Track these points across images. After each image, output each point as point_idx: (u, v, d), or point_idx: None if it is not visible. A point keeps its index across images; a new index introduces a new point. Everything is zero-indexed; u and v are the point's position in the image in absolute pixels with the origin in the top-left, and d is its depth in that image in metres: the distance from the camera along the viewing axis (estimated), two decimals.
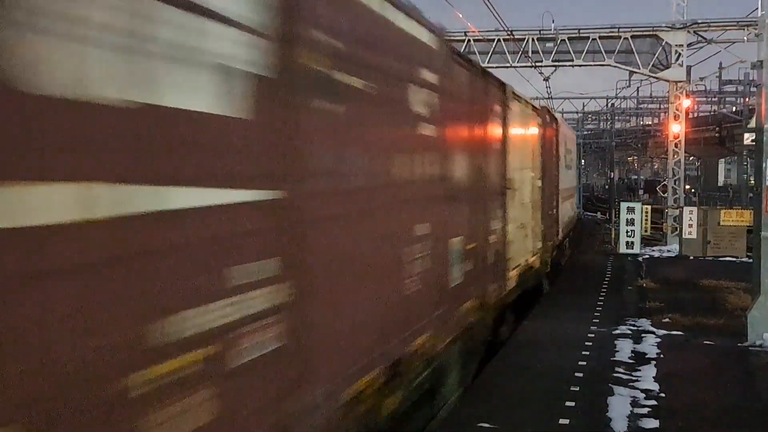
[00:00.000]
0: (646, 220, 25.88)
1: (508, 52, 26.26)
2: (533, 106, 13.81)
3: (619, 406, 7.71)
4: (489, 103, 9.27)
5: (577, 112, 53.69)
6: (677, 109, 25.79)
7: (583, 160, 41.85)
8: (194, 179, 2.86)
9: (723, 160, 58.91)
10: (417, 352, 5.83)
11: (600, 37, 25.84)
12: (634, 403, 7.84)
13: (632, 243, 23.36)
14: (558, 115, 20.45)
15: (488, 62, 26.27)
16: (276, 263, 3.45)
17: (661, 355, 10.00)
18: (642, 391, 8.28)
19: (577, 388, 8.30)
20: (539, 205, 13.93)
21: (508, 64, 26.46)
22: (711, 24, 25.42)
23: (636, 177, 68.60)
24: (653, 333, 11.45)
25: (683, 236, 22.94)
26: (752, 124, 14.40)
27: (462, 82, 7.82)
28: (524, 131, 12.37)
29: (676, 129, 25.87)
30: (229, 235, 3.09)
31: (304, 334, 3.73)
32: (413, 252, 5.73)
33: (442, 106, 6.44)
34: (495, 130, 9.69)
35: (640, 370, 9.15)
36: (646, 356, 9.93)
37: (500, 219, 9.90)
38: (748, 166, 48.22)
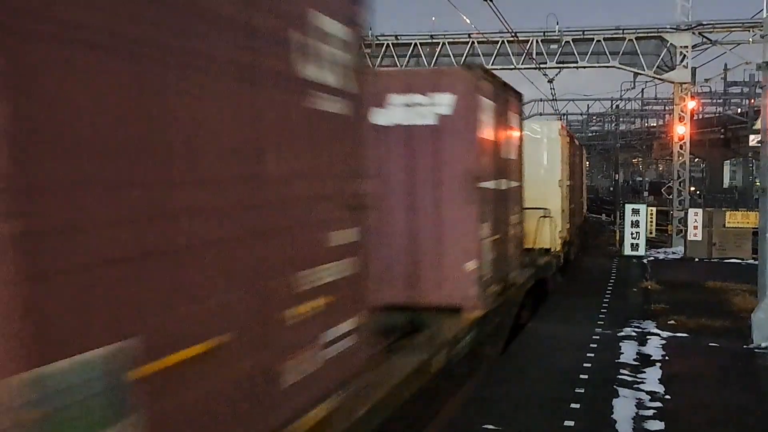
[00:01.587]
0: (651, 221, 25.83)
1: (513, 53, 26.26)
2: (582, 147, 28.02)
3: (623, 408, 7.71)
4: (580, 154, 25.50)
5: (581, 114, 53.66)
6: (682, 111, 25.76)
7: (587, 162, 41.79)
8: None
9: (728, 161, 58.81)
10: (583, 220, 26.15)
11: (604, 39, 25.83)
12: (639, 405, 7.84)
13: (637, 245, 23.34)
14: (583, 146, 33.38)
15: (492, 64, 26.26)
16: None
17: (666, 357, 9.99)
18: (647, 393, 8.27)
19: (582, 390, 8.30)
20: (585, 190, 30.74)
21: (512, 66, 26.46)
22: (716, 25, 25.38)
23: (641, 179, 68.51)
24: (658, 335, 11.44)
25: (688, 238, 22.90)
26: (758, 125, 14.36)
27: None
28: (583, 161, 28.94)
29: (681, 131, 25.84)
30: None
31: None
32: (577, 202, 22.61)
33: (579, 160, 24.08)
34: (580, 163, 24.95)
35: (644, 372, 9.15)
36: (651, 358, 9.92)
37: (581, 194, 25.15)
38: (754, 167, 48.12)
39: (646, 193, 48.40)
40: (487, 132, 8.78)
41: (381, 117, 8.09)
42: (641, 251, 23.19)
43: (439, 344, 7.36)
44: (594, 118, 56.65)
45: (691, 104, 26.29)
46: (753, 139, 28.36)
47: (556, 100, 40.44)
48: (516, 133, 10.85)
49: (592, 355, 10.03)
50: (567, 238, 17.77)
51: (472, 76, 8.37)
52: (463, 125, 8.21)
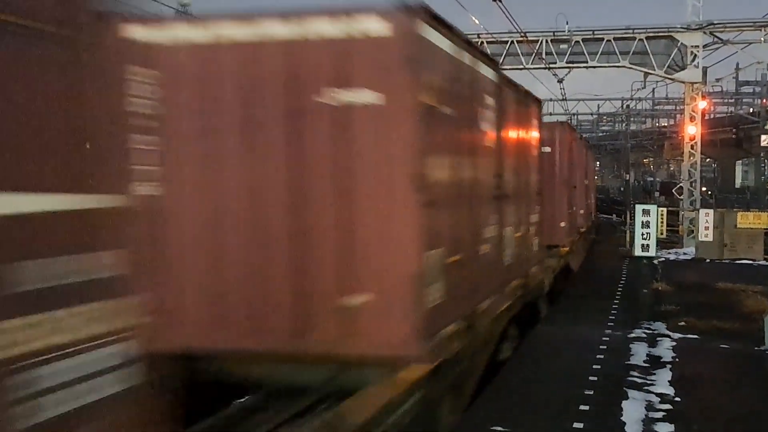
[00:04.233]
0: (662, 222, 25.70)
1: (522, 53, 26.17)
2: (594, 157, 35.40)
3: (633, 410, 7.65)
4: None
5: (591, 114, 53.49)
6: (693, 111, 25.62)
7: (597, 162, 41.77)
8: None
9: (740, 161, 58.48)
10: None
11: (615, 39, 25.70)
12: (649, 407, 7.78)
13: (648, 246, 23.21)
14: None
15: (502, 64, 26.13)
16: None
17: (677, 359, 9.92)
18: (657, 395, 8.21)
19: (592, 392, 8.25)
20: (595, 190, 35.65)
21: (522, 66, 26.38)
22: (727, 25, 25.22)
23: (651, 179, 68.24)
24: (668, 336, 11.36)
25: (699, 239, 22.77)
26: None
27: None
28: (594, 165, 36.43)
29: (692, 131, 25.69)
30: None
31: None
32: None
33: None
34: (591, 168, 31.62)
35: (655, 374, 9.08)
36: (662, 360, 9.85)
37: (593, 192, 31.03)
38: (766, 167, 47.84)
39: (656, 194, 48.18)
40: (569, 155, 16.87)
41: None
42: (652, 252, 23.06)
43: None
44: (604, 118, 56.47)
45: (702, 104, 26.15)
46: (765, 139, 28.17)
47: (566, 100, 40.32)
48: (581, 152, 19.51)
49: (602, 356, 9.97)
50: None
51: (563, 126, 17.19)
52: (559, 153, 16.28)
